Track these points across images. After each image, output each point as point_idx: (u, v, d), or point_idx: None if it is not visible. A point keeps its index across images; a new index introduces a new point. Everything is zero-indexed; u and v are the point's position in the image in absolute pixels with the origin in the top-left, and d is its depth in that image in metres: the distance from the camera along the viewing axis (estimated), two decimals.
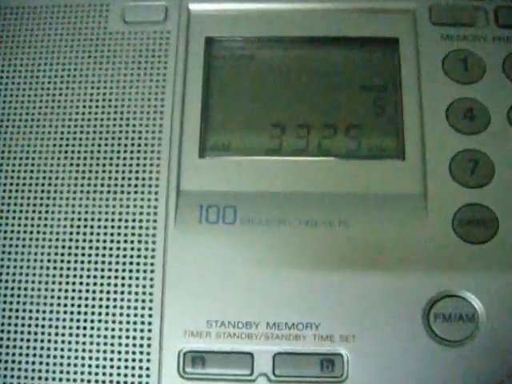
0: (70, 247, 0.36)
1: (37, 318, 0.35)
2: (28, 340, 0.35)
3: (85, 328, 0.35)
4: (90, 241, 0.36)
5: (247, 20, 0.39)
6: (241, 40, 0.39)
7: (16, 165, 0.37)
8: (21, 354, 0.34)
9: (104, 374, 0.34)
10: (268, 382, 0.34)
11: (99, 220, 0.36)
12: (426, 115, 0.37)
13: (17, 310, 0.35)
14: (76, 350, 0.34)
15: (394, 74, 0.38)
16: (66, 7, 0.40)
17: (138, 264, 0.35)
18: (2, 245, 0.36)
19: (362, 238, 0.35)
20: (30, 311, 0.35)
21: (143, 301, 0.35)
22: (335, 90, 0.38)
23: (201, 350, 0.34)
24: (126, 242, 0.35)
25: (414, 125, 0.37)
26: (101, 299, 0.35)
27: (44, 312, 0.35)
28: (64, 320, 0.35)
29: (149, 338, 0.34)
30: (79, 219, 0.36)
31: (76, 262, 0.35)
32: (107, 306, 0.35)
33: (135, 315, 0.34)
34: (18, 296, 0.35)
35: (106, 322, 0.35)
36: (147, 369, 0.34)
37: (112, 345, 0.34)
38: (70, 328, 0.35)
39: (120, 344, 0.34)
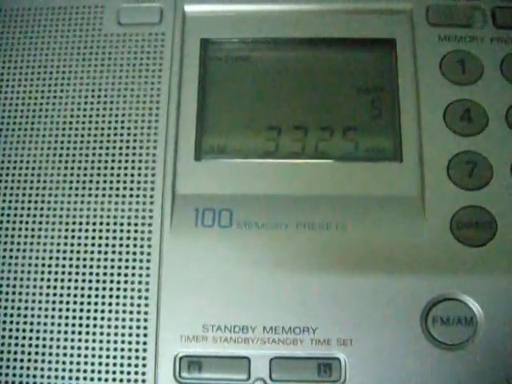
0: (64, 251, 0.35)
1: (31, 323, 0.35)
2: (22, 345, 0.34)
3: (80, 333, 0.34)
4: (85, 244, 0.35)
5: (243, 21, 0.39)
6: (236, 41, 0.39)
7: (10, 168, 0.37)
8: (15, 360, 0.34)
9: (99, 379, 0.34)
10: None
11: (94, 223, 0.36)
12: (424, 117, 0.37)
13: (11, 315, 0.35)
14: (71, 355, 0.34)
15: (391, 75, 0.38)
16: (60, 9, 0.40)
17: (133, 268, 0.35)
18: None
19: (360, 241, 0.35)
20: (25, 316, 0.35)
21: (139, 305, 0.34)
22: (332, 91, 0.38)
23: (197, 355, 0.34)
24: (121, 245, 0.35)
25: (412, 126, 0.37)
26: (96, 303, 0.35)
27: (39, 316, 0.35)
28: (59, 325, 0.34)
29: (144, 343, 0.34)
30: (74, 223, 0.36)
31: (71, 266, 0.35)
32: (102, 311, 0.34)
33: (131, 319, 0.34)
34: (13, 301, 0.35)
35: (102, 326, 0.34)
36: (143, 374, 0.34)
37: (108, 349, 0.34)
38: (65, 332, 0.34)
39: (115, 349, 0.34)
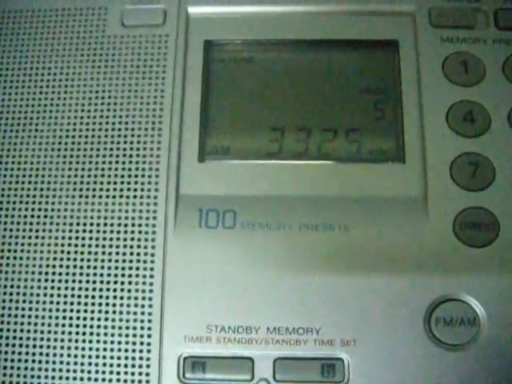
0: (68, 252, 0.35)
1: (35, 324, 0.35)
2: (27, 346, 0.34)
3: (84, 333, 0.34)
4: (89, 245, 0.35)
5: (246, 23, 0.39)
6: (240, 43, 0.39)
7: (15, 169, 0.37)
8: (20, 361, 0.34)
9: (104, 379, 0.34)
10: None
11: (98, 225, 0.36)
12: (427, 118, 0.37)
13: (15, 316, 0.35)
14: (75, 356, 0.34)
15: (393, 76, 0.38)
16: (64, 10, 0.40)
17: (137, 269, 0.35)
18: (0, 250, 0.36)
19: (363, 242, 0.35)
20: (29, 316, 0.35)
21: (143, 306, 0.34)
22: (335, 92, 0.38)
23: (201, 355, 0.34)
24: (125, 246, 0.35)
25: (415, 128, 0.37)
26: (100, 304, 0.35)
27: (43, 317, 0.35)
28: (63, 325, 0.35)
29: (148, 344, 0.34)
30: (78, 224, 0.36)
31: (75, 266, 0.35)
32: (106, 311, 0.35)
33: (135, 320, 0.34)
34: (17, 302, 0.35)
35: (106, 327, 0.34)
36: (147, 374, 0.34)
37: (112, 350, 0.34)
38: (70, 333, 0.34)
39: (119, 349, 0.34)
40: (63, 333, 0.34)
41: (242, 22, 0.39)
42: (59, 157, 0.37)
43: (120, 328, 0.34)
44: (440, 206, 0.35)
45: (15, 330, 0.35)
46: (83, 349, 0.34)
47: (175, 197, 0.36)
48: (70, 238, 0.36)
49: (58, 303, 0.35)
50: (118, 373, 0.34)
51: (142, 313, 0.34)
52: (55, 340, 0.34)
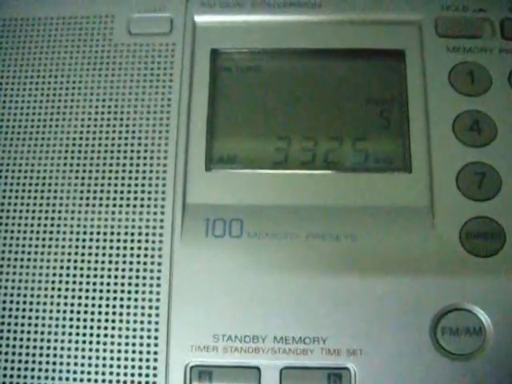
0: (75, 260, 0.35)
1: (42, 332, 0.35)
2: (34, 355, 0.34)
3: (91, 342, 0.34)
4: (96, 254, 0.35)
5: (253, 32, 0.39)
6: (246, 52, 0.39)
7: (21, 177, 0.37)
8: (26, 369, 0.34)
9: None
10: None
11: (105, 233, 0.36)
12: (433, 128, 0.37)
13: (22, 324, 0.35)
14: (82, 365, 0.34)
15: (400, 86, 0.38)
16: (70, 18, 0.40)
17: (144, 278, 0.35)
18: (7, 258, 0.36)
19: (370, 252, 0.35)
20: (36, 325, 0.35)
21: (149, 315, 0.34)
22: (341, 102, 0.38)
23: (207, 365, 0.34)
24: (132, 255, 0.35)
25: (421, 137, 0.37)
26: (107, 313, 0.35)
27: (50, 326, 0.35)
28: (70, 334, 0.35)
29: (155, 353, 0.34)
30: (85, 232, 0.36)
31: (82, 275, 0.35)
32: (113, 320, 0.35)
33: (141, 329, 0.34)
34: (24, 310, 0.35)
35: (112, 335, 0.34)
36: (154, 383, 0.34)
37: (118, 359, 0.34)
38: (76, 342, 0.34)
39: (126, 358, 0.34)
40: (70, 341, 0.35)
41: (248, 30, 0.39)
42: (66, 165, 0.37)
43: (127, 337, 0.34)
44: (446, 215, 0.35)
45: (22, 339, 0.35)
46: (90, 358, 0.34)
47: (182, 206, 0.36)
48: (76, 247, 0.36)
49: (64, 312, 0.35)
50: (125, 382, 0.34)
51: (149, 322, 0.34)
52: (62, 349, 0.34)
